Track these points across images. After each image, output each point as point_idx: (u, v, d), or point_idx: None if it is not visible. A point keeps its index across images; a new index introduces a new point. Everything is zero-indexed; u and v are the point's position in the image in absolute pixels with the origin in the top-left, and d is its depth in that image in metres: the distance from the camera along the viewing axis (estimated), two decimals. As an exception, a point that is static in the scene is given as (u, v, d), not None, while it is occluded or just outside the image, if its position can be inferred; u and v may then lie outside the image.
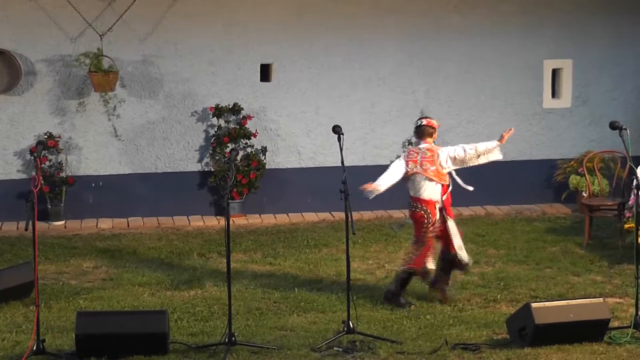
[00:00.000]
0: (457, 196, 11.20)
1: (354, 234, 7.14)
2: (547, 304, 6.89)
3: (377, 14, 11.10)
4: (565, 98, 11.65)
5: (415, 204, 7.86)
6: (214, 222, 10.70)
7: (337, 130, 7.56)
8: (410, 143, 11.31)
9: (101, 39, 10.37)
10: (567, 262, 9.10)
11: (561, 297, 7.79)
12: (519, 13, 11.40)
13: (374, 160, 11.24)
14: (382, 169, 11.19)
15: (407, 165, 7.87)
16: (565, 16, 11.47)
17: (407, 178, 7.89)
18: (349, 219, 7.02)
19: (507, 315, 7.28)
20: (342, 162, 7.34)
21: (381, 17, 11.11)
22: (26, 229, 6.66)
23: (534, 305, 6.82)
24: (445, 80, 11.36)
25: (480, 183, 11.32)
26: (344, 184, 7.10)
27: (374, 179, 11.08)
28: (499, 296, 8.06)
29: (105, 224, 10.55)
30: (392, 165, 8.04)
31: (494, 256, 9.35)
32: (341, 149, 7.43)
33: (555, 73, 11.62)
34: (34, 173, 10.29)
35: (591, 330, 6.87)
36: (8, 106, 10.45)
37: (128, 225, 10.53)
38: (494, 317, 7.50)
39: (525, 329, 6.80)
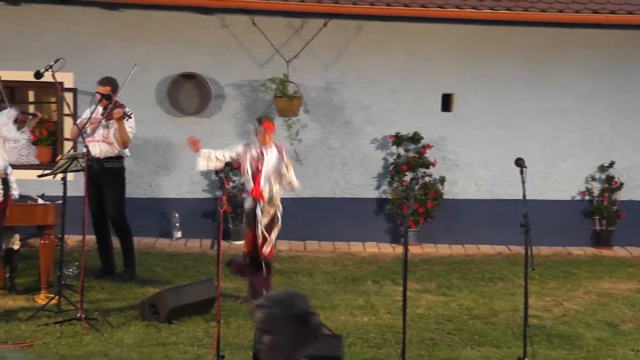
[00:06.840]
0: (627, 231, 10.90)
1: (533, 269, 6.98)
2: None
3: (562, 46, 10.89)
4: None
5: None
6: (389, 249, 10.73)
7: (520, 163, 7.44)
8: (594, 179, 11.00)
9: (287, 65, 10.64)
10: None
11: None
12: None
13: (553, 195, 11.01)
14: (562, 204, 11.03)
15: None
16: None
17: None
18: (529, 254, 6.88)
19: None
20: (524, 196, 7.19)
21: (566, 49, 10.89)
22: (212, 247, 6.90)
23: None
24: (632, 115, 11.00)
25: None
26: (525, 218, 6.97)
27: (554, 215, 10.91)
28: (685, 343, 7.68)
29: (283, 246, 10.75)
30: None
31: (679, 300, 8.93)
32: (523, 183, 7.31)
33: None
34: (219, 193, 10.64)
35: None
36: (197, 127, 10.85)
37: (305, 248, 10.71)
38: (680, 366, 7.16)
39: None
